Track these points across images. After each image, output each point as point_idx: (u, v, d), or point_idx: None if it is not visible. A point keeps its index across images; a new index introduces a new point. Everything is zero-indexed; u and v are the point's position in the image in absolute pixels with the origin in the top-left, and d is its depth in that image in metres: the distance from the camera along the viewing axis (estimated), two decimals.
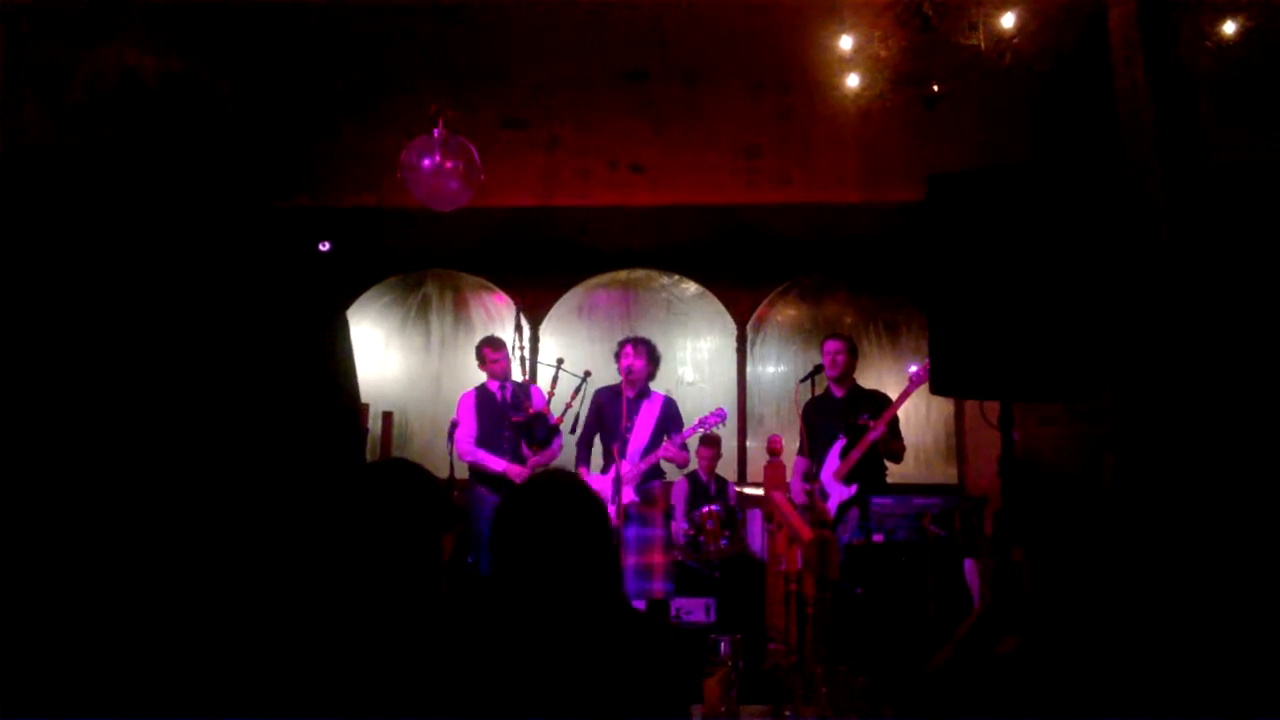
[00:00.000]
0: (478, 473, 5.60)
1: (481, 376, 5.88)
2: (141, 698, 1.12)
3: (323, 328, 1.31)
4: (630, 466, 5.32)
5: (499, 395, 5.71)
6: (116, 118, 1.26)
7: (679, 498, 6.32)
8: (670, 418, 5.49)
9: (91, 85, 1.27)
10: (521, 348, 5.38)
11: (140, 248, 1.20)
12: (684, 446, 5.49)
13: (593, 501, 2.00)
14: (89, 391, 1.15)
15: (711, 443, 6.35)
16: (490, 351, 5.78)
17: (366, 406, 6.08)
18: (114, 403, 1.15)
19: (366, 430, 5.90)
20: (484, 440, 5.62)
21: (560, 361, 5.63)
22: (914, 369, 5.31)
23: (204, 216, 1.28)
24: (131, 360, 1.17)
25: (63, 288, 1.17)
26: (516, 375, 5.72)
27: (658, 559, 5.30)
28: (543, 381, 5.79)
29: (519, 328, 5.40)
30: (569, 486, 2.01)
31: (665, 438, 5.39)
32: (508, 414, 5.57)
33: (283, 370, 1.25)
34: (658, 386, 5.67)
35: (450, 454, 5.67)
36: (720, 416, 5.62)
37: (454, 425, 5.76)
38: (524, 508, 1.95)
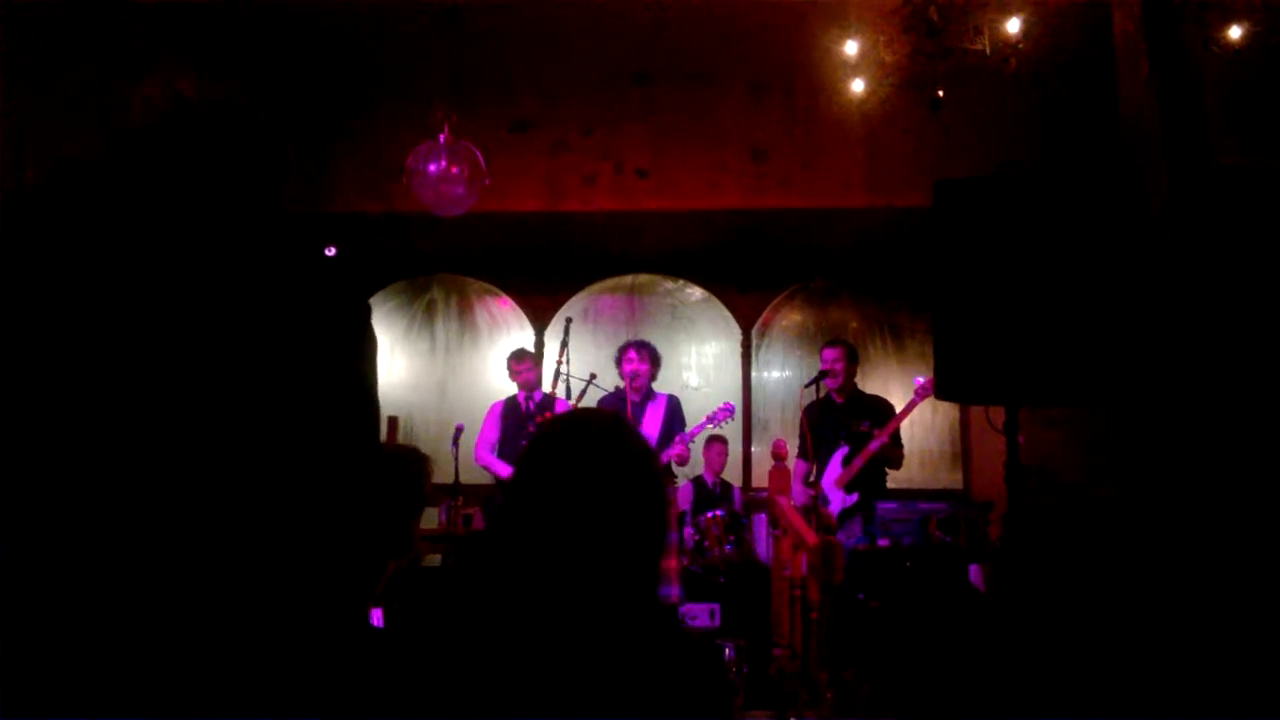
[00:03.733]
0: (500, 482, 5.71)
1: (488, 383, 5.98)
2: (141, 697, 1.13)
3: (353, 337, 1.32)
4: None
5: (524, 405, 5.79)
6: (145, 135, 1.27)
7: (684, 501, 6.31)
8: (676, 416, 5.54)
9: (120, 104, 1.29)
10: (559, 362, 5.38)
11: (182, 257, 1.22)
12: (689, 446, 5.56)
13: (645, 456, 1.47)
14: (122, 390, 1.17)
15: (718, 439, 6.29)
16: (515, 363, 5.92)
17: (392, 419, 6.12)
18: (144, 401, 1.17)
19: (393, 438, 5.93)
20: (504, 449, 5.72)
21: (593, 376, 5.65)
22: (920, 380, 5.30)
23: (244, 224, 1.29)
24: (163, 364, 1.18)
25: (96, 296, 1.19)
26: (547, 384, 5.77)
27: (669, 563, 5.31)
28: (575, 393, 5.81)
29: (564, 341, 5.40)
30: (615, 430, 1.48)
31: (672, 436, 5.44)
32: (529, 422, 5.63)
33: (311, 376, 1.26)
34: (664, 391, 5.70)
35: (455, 459, 5.72)
36: (728, 411, 5.64)
37: (458, 430, 5.83)
38: (555, 449, 1.46)
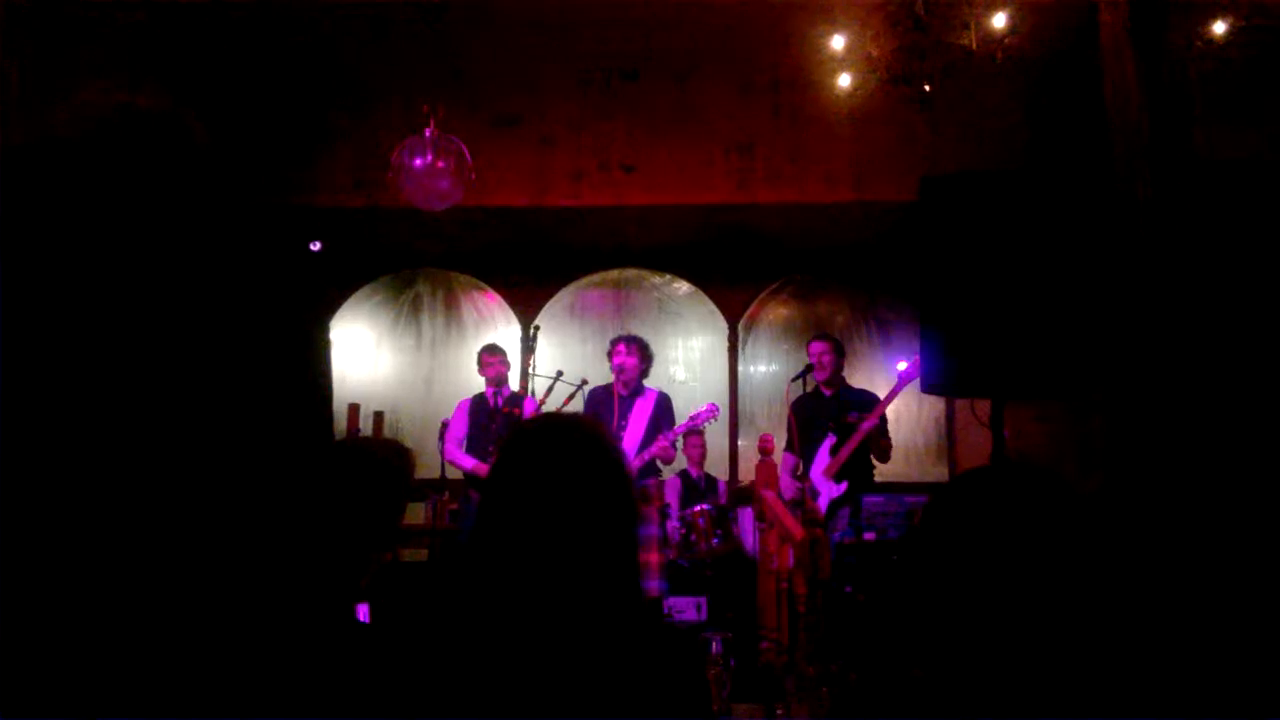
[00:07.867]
0: (470, 477, 5.67)
1: (474, 378, 5.98)
2: (137, 695, 1.12)
3: (304, 325, 1.31)
4: None
5: (492, 401, 5.78)
6: (110, 127, 1.25)
7: (672, 495, 6.31)
8: (664, 413, 5.52)
9: (86, 93, 1.27)
10: (526, 365, 5.40)
11: (131, 244, 1.21)
12: (674, 444, 5.53)
13: (615, 456, 1.51)
14: (79, 383, 1.15)
15: (697, 433, 6.25)
16: (486, 356, 5.92)
17: (357, 406, 6.09)
18: (101, 392, 1.16)
19: (355, 430, 5.92)
20: (473, 444, 5.71)
21: (559, 374, 5.65)
22: (902, 366, 5.29)
23: (193, 213, 1.28)
24: (117, 351, 1.17)
25: (54, 285, 1.17)
26: (515, 385, 5.78)
27: (653, 557, 5.31)
28: (542, 390, 5.81)
29: (530, 347, 5.42)
30: (586, 431, 1.51)
31: (659, 434, 5.41)
32: (497, 417, 5.63)
33: (261, 364, 1.25)
34: (651, 385, 5.68)
35: (441, 454, 5.73)
36: (713, 411, 5.63)
37: (444, 426, 5.84)
38: (527, 453, 1.48)
